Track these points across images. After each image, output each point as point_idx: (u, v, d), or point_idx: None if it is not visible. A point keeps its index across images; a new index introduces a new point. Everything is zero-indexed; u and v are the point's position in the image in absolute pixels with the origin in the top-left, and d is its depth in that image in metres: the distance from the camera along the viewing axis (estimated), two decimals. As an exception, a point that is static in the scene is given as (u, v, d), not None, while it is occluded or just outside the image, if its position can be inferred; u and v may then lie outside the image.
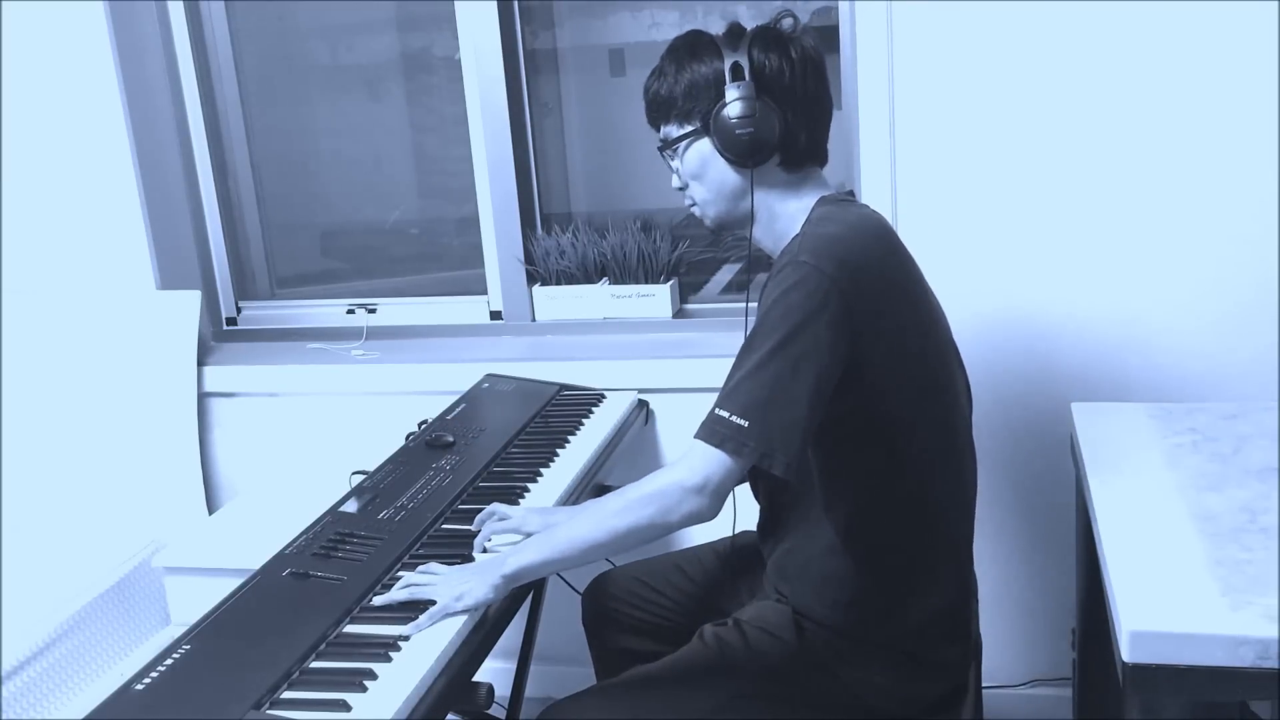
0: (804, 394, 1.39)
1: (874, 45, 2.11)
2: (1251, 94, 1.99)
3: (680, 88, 1.55)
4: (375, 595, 1.53)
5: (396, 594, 1.51)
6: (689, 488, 1.41)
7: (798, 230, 1.52)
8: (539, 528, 1.65)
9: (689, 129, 1.56)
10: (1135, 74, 2.03)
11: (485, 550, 1.66)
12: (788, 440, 1.39)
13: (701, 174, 1.57)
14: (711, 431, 1.41)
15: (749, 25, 1.57)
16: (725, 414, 1.41)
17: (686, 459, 1.43)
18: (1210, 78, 2.01)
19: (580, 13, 2.53)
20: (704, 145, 1.55)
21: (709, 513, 1.43)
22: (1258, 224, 2.04)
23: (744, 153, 1.52)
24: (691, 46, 1.56)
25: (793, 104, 1.52)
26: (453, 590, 1.48)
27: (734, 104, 1.50)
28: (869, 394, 1.47)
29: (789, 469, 1.39)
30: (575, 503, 1.87)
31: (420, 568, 1.57)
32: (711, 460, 1.41)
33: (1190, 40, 2.00)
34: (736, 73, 1.51)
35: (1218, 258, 2.07)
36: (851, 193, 1.65)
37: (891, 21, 2.10)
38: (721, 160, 1.55)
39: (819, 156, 1.59)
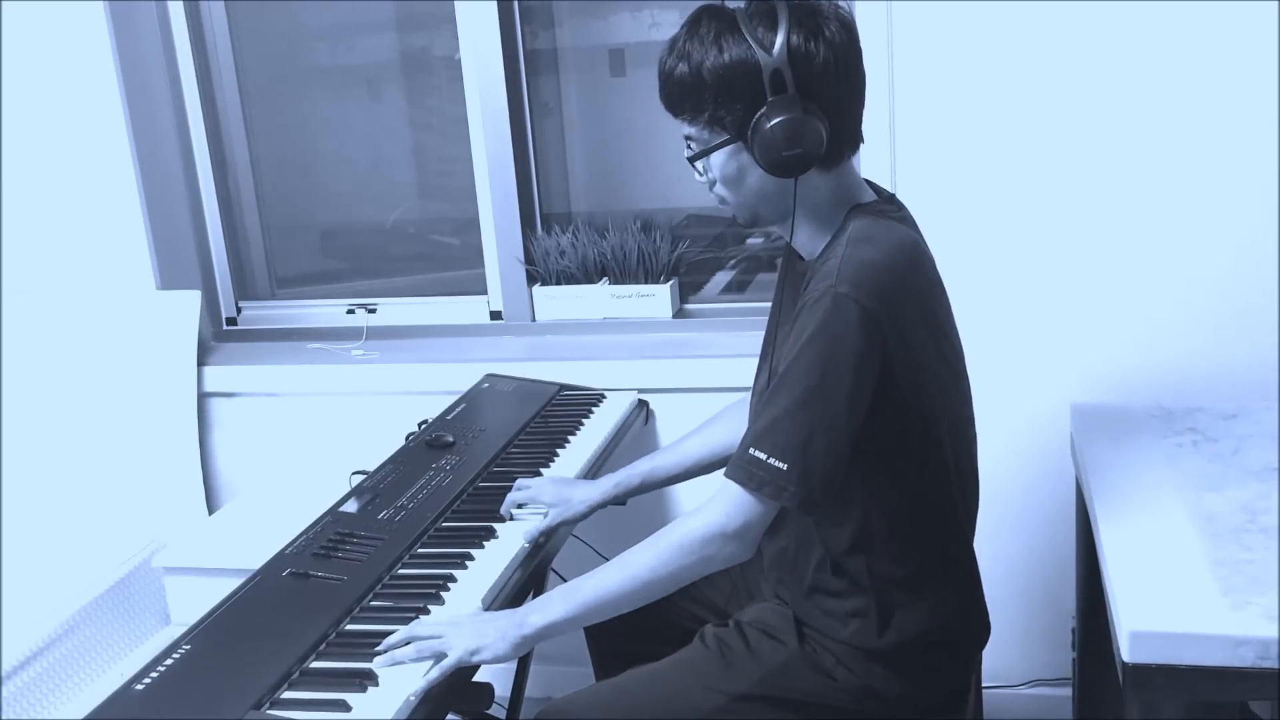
0: (843, 434, 1.36)
1: (874, 45, 2.11)
2: (1252, 93, 1.99)
3: (708, 84, 1.39)
4: (366, 613, 1.50)
5: (401, 653, 1.39)
6: (730, 535, 1.40)
7: (834, 228, 1.46)
8: (552, 499, 1.69)
9: (722, 138, 1.43)
10: (1135, 73, 2.03)
11: (512, 517, 1.66)
12: (828, 483, 1.37)
13: (738, 183, 1.46)
14: (749, 475, 1.38)
15: None
16: (762, 455, 1.37)
17: (723, 503, 1.40)
18: (1210, 77, 2.01)
19: (580, 13, 2.52)
20: (740, 154, 1.43)
21: (746, 555, 1.43)
22: (1258, 224, 2.04)
23: (788, 168, 1.40)
24: (717, 34, 1.38)
25: (835, 104, 1.40)
26: (467, 643, 1.40)
27: (778, 121, 1.37)
28: (888, 427, 1.43)
29: (826, 508, 1.40)
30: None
31: (419, 620, 1.46)
32: (748, 506, 1.39)
33: (1190, 40, 2.00)
34: (778, 83, 1.36)
35: (1218, 258, 2.07)
36: (880, 191, 1.54)
37: (891, 21, 2.10)
38: (758, 169, 1.42)
39: (856, 144, 1.48)
